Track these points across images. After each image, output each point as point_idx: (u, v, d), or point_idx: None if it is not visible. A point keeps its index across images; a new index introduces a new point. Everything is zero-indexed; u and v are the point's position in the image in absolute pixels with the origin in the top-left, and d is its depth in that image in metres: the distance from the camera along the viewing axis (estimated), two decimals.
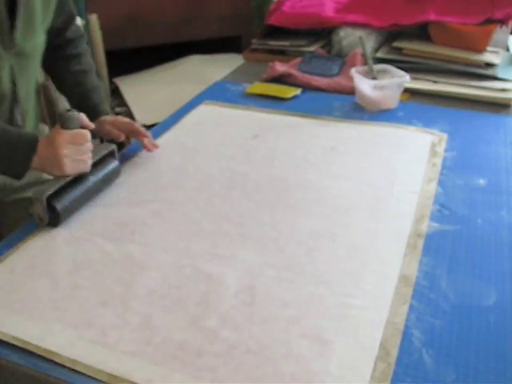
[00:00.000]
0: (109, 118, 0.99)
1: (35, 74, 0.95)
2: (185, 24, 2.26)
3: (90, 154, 0.80)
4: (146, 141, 0.97)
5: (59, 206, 0.76)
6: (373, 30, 1.39)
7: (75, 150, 0.77)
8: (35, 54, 0.90)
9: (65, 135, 0.77)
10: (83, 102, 1.00)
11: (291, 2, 1.54)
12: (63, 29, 1.00)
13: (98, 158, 0.84)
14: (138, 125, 0.99)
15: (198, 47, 2.26)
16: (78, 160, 0.78)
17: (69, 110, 0.79)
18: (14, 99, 0.89)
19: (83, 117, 0.83)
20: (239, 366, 0.55)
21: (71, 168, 0.78)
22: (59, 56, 1.02)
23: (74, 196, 0.79)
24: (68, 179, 0.78)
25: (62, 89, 1.05)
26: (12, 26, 0.81)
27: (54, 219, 0.77)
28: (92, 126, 0.85)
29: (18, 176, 0.78)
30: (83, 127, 0.81)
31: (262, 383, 0.53)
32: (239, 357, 0.56)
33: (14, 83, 0.87)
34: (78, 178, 0.80)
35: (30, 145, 0.77)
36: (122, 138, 0.97)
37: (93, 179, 0.83)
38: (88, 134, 0.80)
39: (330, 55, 1.43)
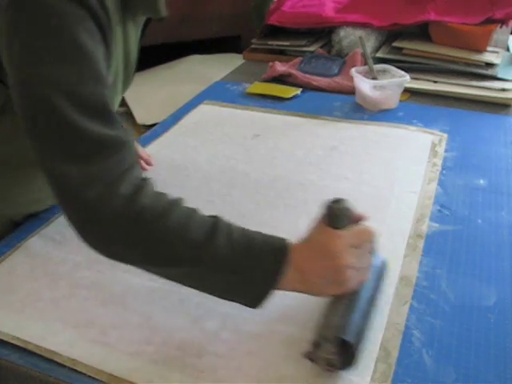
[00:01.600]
0: None
1: None
2: (185, 24, 2.26)
3: (371, 257, 0.58)
4: (140, 161, 0.91)
5: (352, 339, 0.52)
6: (373, 30, 1.38)
7: (359, 255, 0.55)
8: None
9: (344, 238, 0.54)
10: None
11: (291, 2, 1.54)
12: None
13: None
14: (137, 147, 0.92)
15: (197, 47, 2.26)
16: (362, 267, 0.56)
17: (336, 201, 0.57)
18: None
19: (355, 209, 0.59)
20: (240, 367, 0.55)
21: (354, 281, 0.55)
22: None
23: (358, 320, 0.55)
24: (346, 298, 0.55)
25: None
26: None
27: (347, 358, 0.53)
28: (365, 217, 0.60)
29: (255, 302, 0.55)
30: (356, 220, 0.58)
31: None
32: (240, 358, 0.56)
33: None
34: (353, 293, 0.56)
35: (279, 251, 0.54)
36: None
37: (366, 289, 0.58)
38: (370, 229, 0.57)
39: (330, 55, 1.43)
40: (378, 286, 0.60)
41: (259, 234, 0.56)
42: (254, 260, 0.53)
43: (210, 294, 0.56)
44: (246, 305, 0.55)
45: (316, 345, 0.53)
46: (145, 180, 0.57)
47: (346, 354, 0.52)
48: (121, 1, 0.64)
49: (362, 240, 0.56)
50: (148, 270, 0.57)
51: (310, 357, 0.53)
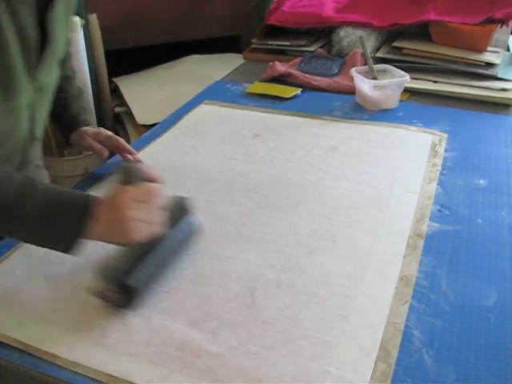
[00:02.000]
0: (91, 129, 0.91)
1: (48, 111, 0.85)
2: (185, 24, 2.26)
3: (162, 213, 0.64)
4: (128, 155, 0.90)
5: (135, 284, 0.61)
6: (373, 30, 1.38)
7: (144, 209, 0.61)
8: (51, 90, 0.81)
9: (129, 192, 0.62)
10: (63, 111, 0.92)
11: (291, 2, 1.54)
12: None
13: (171, 214, 0.66)
14: (122, 141, 0.91)
15: (197, 47, 2.26)
16: (149, 221, 0.62)
17: (127, 164, 0.67)
18: (31, 139, 0.81)
19: (148, 168, 0.71)
20: (239, 367, 0.55)
21: (141, 233, 0.61)
22: None
23: (149, 269, 0.63)
24: (138, 248, 0.63)
25: None
26: (39, 59, 0.73)
27: (128, 300, 0.62)
28: (160, 178, 0.71)
29: (68, 250, 0.61)
30: (150, 180, 0.68)
31: None
32: (239, 358, 0.56)
33: (32, 121, 0.78)
34: (150, 245, 0.64)
35: (82, 208, 0.61)
36: (106, 154, 0.88)
37: (168, 243, 0.66)
38: (158, 187, 0.65)
39: (330, 55, 1.43)
40: (177, 244, 0.68)
41: (67, 191, 0.63)
42: (63, 216, 0.60)
43: (30, 243, 0.64)
44: (60, 251, 0.62)
45: (103, 285, 0.61)
46: None
47: (128, 295, 0.61)
48: None
49: (146, 195, 0.62)
50: None
51: (100, 296, 0.62)
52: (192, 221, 0.72)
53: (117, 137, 0.92)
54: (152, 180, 0.68)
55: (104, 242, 0.62)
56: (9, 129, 0.74)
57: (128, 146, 0.91)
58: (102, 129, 0.93)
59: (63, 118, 0.92)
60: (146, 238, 0.62)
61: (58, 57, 0.78)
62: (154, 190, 0.63)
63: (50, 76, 0.78)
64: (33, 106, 0.76)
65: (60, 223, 0.60)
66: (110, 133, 0.92)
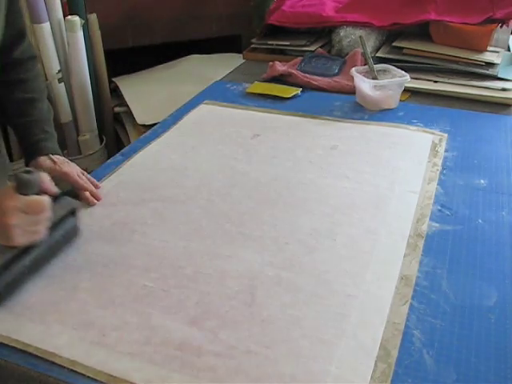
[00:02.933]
0: (47, 162, 0.84)
1: None
2: (184, 23, 2.26)
3: (46, 224, 0.66)
4: (87, 194, 0.83)
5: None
6: (373, 30, 1.38)
7: (28, 220, 0.63)
8: None
9: (17, 202, 0.62)
10: (24, 136, 0.87)
11: (291, 2, 1.54)
12: (10, 46, 0.84)
13: (54, 221, 0.69)
14: (78, 178, 0.84)
15: (197, 47, 2.26)
16: (31, 231, 0.64)
17: (28, 172, 0.65)
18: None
19: (45, 178, 0.69)
20: (239, 366, 0.55)
21: (21, 239, 0.63)
22: (2, 81, 0.86)
23: (18, 270, 0.65)
24: (15, 251, 0.65)
25: (4, 119, 0.91)
26: None
27: None
28: (54, 191, 0.72)
29: None
30: (44, 192, 0.68)
31: (262, 383, 0.53)
32: (239, 357, 0.56)
33: None
34: (25, 247, 0.66)
35: None
36: (53, 192, 0.76)
37: (43, 247, 0.68)
38: (47, 201, 0.65)
39: (331, 55, 1.43)
40: (55, 243, 0.71)
41: None
42: None
43: None
44: None
45: None
46: None
47: None
48: None
49: (32, 208, 0.63)
50: None
51: None
52: (71, 221, 0.74)
53: (73, 173, 0.85)
54: (46, 192, 0.69)
55: None
56: None
57: (82, 183, 0.84)
58: (60, 160, 0.85)
59: (23, 144, 0.87)
60: (24, 243, 0.64)
61: None
62: (44, 204, 0.64)
63: None
64: None
65: None
66: (65, 169, 0.84)
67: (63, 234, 0.72)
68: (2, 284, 0.63)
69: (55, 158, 0.85)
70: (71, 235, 0.74)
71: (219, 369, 0.54)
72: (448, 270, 0.68)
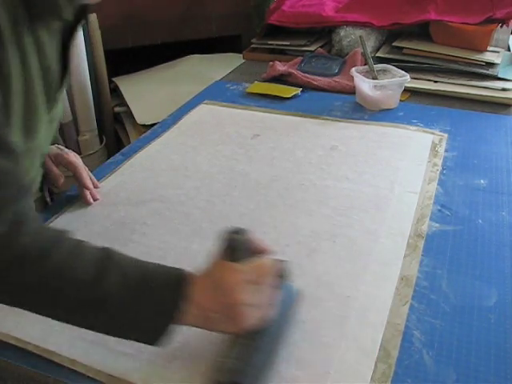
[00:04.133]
0: (53, 150, 0.82)
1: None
2: (184, 23, 2.26)
3: (275, 293, 0.54)
4: (87, 193, 0.83)
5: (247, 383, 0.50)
6: (373, 30, 1.38)
7: (256, 291, 0.51)
8: (57, 122, 0.74)
9: (242, 273, 0.51)
10: None
11: (291, 2, 1.54)
12: None
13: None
14: (84, 172, 0.83)
15: (197, 47, 2.26)
16: (261, 305, 0.52)
17: (236, 232, 0.54)
18: (44, 175, 0.75)
19: (257, 239, 0.57)
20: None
21: (253, 319, 0.51)
22: None
23: (261, 361, 0.53)
24: (247, 336, 0.52)
25: None
26: (56, 94, 0.67)
27: None
28: (269, 249, 0.57)
29: (155, 340, 0.50)
30: (258, 252, 0.56)
31: None
32: None
33: (42, 156, 0.72)
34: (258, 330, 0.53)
35: (174, 285, 0.50)
36: (61, 181, 0.79)
37: (275, 324, 0.55)
38: (272, 264, 0.54)
39: (331, 55, 1.43)
40: (285, 321, 0.58)
41: (154, 266, 0.52)
42: (150, 296, 0.49)
43: (105, 333, 0.51)
44: (145, 342, 0.50)
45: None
46: (26, 215, 0.50)
47: None
48: (21, 8, 0.54)
49: (260, 275, 0.52)
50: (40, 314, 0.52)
51: None
52: (291, 288, 0.60)
53: (79, 166, 0.83)
54: (261, 252, 0.56)
55: (202, 328, 0.52)
56: (26, 168, 0.65)
57: (87, 180, 0.83)
58: (65, 151, 0.84)
59: None
60: (257, 324, 0.52)
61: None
62: (268, 268, 0.53)
63: (58, 106, 0.70)
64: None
65: (146, 305, 0.49)
66: (72, 158, 0.83)
67: (286, 305, 0.58)
68: (253, 380, 0.51)
69: (61, 147, 0.84)
70: (295, 302, 0.61)
71: (219, 370, 0.54)
72: (448, 270, 0.68)
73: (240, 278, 0.51)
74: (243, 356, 0.51)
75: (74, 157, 0.84)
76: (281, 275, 0.56)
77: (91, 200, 0.83)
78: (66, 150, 0.85)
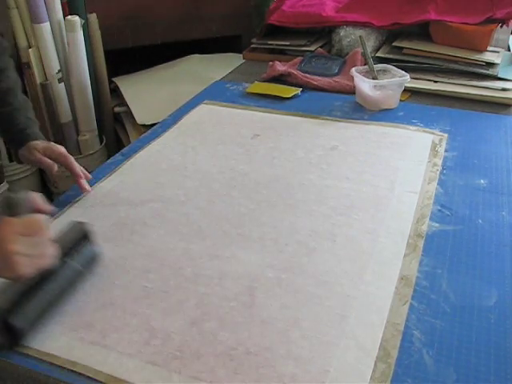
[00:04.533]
0: (40, 143, 0.86)
1: None
2: (184, 23, 2.26)
3: (50, 245, 0.59)
4: (82, 181, 0.85)
5: (19, 323, 0.57)
6: (373, 30, 1.38)
7: (29, 242, 0.56)
8: None
9: (13, 225, 0.56)
10: (9, 125, 0.86)
11: (291, 2, 1.54)
12: None
13: (69, 246, 0.64)
14: (73, 161, 0.85)
15: (197, 47, 2.26)
16: (35, 255, 0.57)
17: (15, 191, 0.61)
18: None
19: (36, 198, 0.66)
20: (238, 368, 0.55)
21: (27, 268, 0.56)
22: None
23: (37, 305, 0.59)
24: (26, 283, 0.58)
25: None
26: None
27: (12, 340, 0.57)
28: (49, 208, 0.67)
29: None
30: (37, 211, 0.64)
31: None
32: (238, 358, 0.56)
33: None
34: (42, 277, 0.60)
35: None
36: (55, 169, 0.84)
37: (63, 274, 0.62)
38: (45, 219, 0.59)
39: (330, 55, 1.43)
40: (76, 274, 0.64)
41: None
42: None
43: None
44: None
45: None
46: None
47: (11, 335, 0.56)
48: None
49: (32, 229, 0.57)
50: None
51: None
52: (90, 247, 0.68)
53: (68, 155, 0.86)
54: (40, 211, 0.65)
55: None
56: None
57: (76, 168, 0.85)
58: (52, 144, 0.87)
59: (10, 132, 0.87)
60: (33, 272, 0.57)
61: None
62: (42, 222, 0.58)
63: None
64: None
65: None
66: (61, 150, 0.86)
67: (82, 262, 0.65)
68: (20, 323, 0.57)
69: (46, 141, 0.87)
70: (90, 262, 0.68)
71: (219, 370, 0.54)
72: (448, 270, 0.68)
73: (12, 230, 0.56)
74: (14, 296, 0.57)
75: (62, 148, 0.86)
76: (80, 234, 0.65)
77: (88, 186, 0.85)
78: (51, 142, 0.87)
